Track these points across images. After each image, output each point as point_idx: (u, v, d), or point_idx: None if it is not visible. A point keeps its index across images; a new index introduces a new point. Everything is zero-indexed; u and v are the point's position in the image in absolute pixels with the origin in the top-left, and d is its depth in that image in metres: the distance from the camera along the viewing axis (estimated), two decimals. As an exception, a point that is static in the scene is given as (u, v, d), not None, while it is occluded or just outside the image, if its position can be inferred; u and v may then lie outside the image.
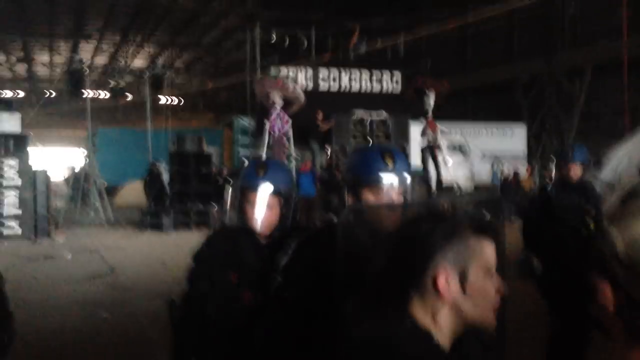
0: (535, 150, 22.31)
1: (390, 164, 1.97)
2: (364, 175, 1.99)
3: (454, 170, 17.82)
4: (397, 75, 20.17)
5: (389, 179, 1.96)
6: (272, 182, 2.41)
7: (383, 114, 17.46)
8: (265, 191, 2.39)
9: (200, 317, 2.38)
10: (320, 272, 1.77)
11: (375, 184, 1.97)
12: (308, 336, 1.80)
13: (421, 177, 16.52)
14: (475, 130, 21.38)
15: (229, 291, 2.36)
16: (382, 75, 20.06)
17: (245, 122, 22.08)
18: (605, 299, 1.07)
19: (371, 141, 16.57)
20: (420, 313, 1.31)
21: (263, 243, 2.41)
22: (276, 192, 2.41)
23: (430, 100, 16.54)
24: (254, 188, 2.39)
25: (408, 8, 20.69)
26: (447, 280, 1.29)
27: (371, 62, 20.01)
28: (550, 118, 22.46)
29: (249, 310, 2.25)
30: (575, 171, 4.53)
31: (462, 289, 1.31)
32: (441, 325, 1.32)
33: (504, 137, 21.58)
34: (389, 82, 20.14)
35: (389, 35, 20.20)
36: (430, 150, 16.94)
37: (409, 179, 2.00)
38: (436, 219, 1.39)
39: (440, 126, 17.62)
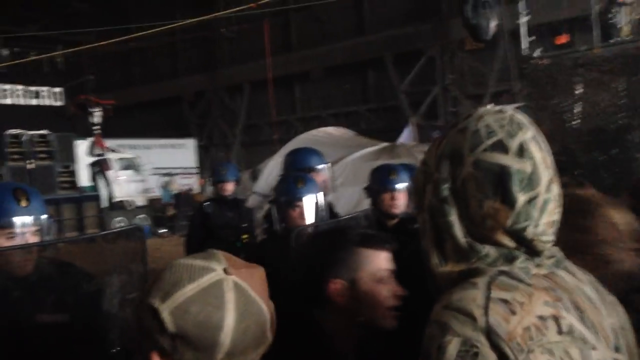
0: (205, 163, 23.38)
1: (24, 204, 1.92)
2: None
3: (125, 186, 17.57)
4: (58, 90, 18.91)
5: (22, 220, 1.91)
6: None
7: (43, 131, 16.19)
8: None
9: None
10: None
11: (8, 226, 1.90)
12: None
13: (91, 194, 15.83)
14: (145, 145, 21.37)
15: None
16: (39, 90, 18.56)
17: None
18: None
19: (32, 161, 15.11)
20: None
21: None
22: None
23: (96, 117, 16.04)
24: None
25: (65, 18, 19.61)
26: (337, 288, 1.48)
27: (26, 76, 18.36)
28: (216, 131, 23.81)
29: None
30: (228, 188, 4.96)
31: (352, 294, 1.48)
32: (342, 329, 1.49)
33: (175, 151, 22.03)
34: (49, 97, 18.77)
35: (47, 47, 18.81)
36: (100, 167, 16.40)
37: (45, 217, 1.98)
38: (325, 239, 1.62)
39: (109, 143, 17.19)
